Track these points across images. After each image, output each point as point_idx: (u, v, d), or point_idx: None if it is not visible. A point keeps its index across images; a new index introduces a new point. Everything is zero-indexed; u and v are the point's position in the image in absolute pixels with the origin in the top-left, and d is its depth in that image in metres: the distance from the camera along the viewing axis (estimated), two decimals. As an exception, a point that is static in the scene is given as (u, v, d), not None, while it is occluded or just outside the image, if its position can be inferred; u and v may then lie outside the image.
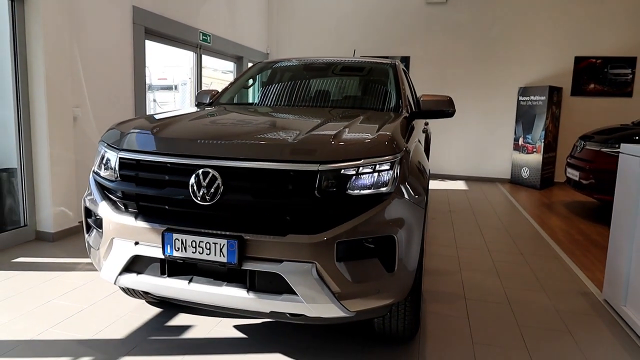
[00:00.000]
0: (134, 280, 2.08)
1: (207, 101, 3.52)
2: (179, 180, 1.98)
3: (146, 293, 2.22)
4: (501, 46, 8.04)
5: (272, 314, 1.98)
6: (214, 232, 1.89)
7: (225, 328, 2.61)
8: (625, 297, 2.84)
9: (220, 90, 3.61)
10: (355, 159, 1.90)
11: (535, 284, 3.43)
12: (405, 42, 8.50)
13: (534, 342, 2.55)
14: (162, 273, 2.04)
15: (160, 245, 1.96)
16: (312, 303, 1.86)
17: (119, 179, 2.13)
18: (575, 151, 6.06)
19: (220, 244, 1.87)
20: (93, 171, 2.35)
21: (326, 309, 1.88)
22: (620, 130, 5.83)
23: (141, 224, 2.01)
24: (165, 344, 2.43)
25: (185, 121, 2.39)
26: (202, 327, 2.61)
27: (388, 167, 1.95)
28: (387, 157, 1.96)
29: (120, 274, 2.09)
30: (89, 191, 2.32)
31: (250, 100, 3.47)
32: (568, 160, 6.23)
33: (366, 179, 1.91)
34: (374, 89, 3.34)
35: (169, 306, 2.84)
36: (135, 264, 2.07)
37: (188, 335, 2.53)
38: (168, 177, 2.01)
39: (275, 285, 1.89)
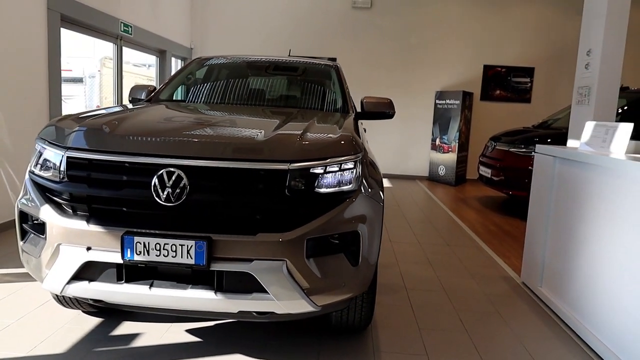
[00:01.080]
0: (85, 288, 1.93)
1: (144, 97, 3.34)
2: (139, 180, 1.88)
3: (96, 301, 2.07)
4: (420, 52, 8.60)
5: (239, 313, 1.97)
6: (180, 233, 1.83)
7: (176, 333, 2.51)
8: (541, 279, 3.25)
9: (143, 84, 3.43)
10: (322, 158, 1.96)
11: (463, 271, 3.77)
12: (332, 43, 8.73)
13: (471, 324, 2.82)
14: (119, 279, 1.93)
15: (119, 250, 1.85)
16: (283, 300, 1.88)
17: (65, 179, 1.95)
18: (487, 151, 6.71)
19: (187, 246, 1.82)
20: (29, 171, 2.13)
21: (296, 305, 1.92)
22: (524, 132, 6.57)
23: (94, 228, 1.88)
24: (113, 354, 2.28)
25: (139, 118, 2.27)
26: (151, 334, 2.49)
27: (352, 166, 2.04)
28: (351, 156, 2.04)
29: (68, 282, 1.93)
30: (25, 193, 2.10)
31: (191, 98, 3.34)
32: (480, 159, 6.88)
33: (333, 178, 1.98)
34: (319, 90, 3.42)
35: (110, 315, 2.66)
36: (87, 271, 1.93)
37: (137, 343, 2.40)
38: (126, 177, 1.90)
39: (245, 285, 1.89)
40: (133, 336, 2.46)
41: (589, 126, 2.99)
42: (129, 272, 1.92)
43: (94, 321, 2.59)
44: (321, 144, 2.03)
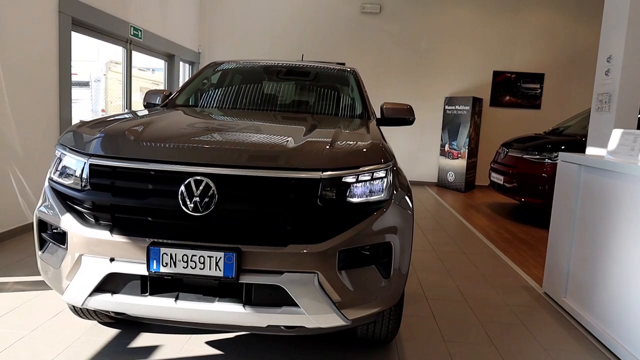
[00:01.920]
0: (107, 301, 1.86)
1: (159, 102, 3.28)
2: (166, 189, 1.81)
3: (117, 314, 1.99)
4: (429, 58, 8.56)
5: (268, 327, 1.90)
6: (209, 244, 1.76)
7: (196, 345, 2.44)
8: (565, 290, 3.17)
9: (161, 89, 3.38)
10: (354, 167, 1.89)
11: (482, 281, 3.68)
12: (340, 49, 8.69)
13: (497, 336, 2.74)
14: (143, 291, 1.86)
15: (144, 261, 1.78)
16: (314, 314, 1.81)
17: (88, 187, 1.89)
18: (499, 157, 6.64)
19: (216, 258, 1.75)
20: (49, 179, 2.07)
21: (327, 319, 1.84)
22: (536, 139, 6.51)
23: (118, 238, 1.81)
24: (133, 368, 2.21)
25: (162, 124, 2.21)
26: (170, 346, 2.41)
27: (383, 175, 1.97)
28: (382, 165, 1.98)
29: (90, 294, 1.86)
30: (44, 201, 2.03)
31: (208, 103, 3.27)
32: (492, 165, 6.81)
33: (364, 187, 1.92)
34: (338, 96, 3.36)
35: (128, 326, 2.59)
36: (109, 283, 1.86)
37: (157, 356, 2.33)
38: (152, 186, 1.83)
39: (274, 298, 1.81)
40: (152, 349, 2.39)
41: (616, 134, 2.92)
42: (153, 285, 1.85)
43: (111, 333, 2.52)
44: (353, 152, 1.96)
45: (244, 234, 1.81)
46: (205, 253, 1.75)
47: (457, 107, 8.27)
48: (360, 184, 1.90)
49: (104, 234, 1.82)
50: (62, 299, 1.96)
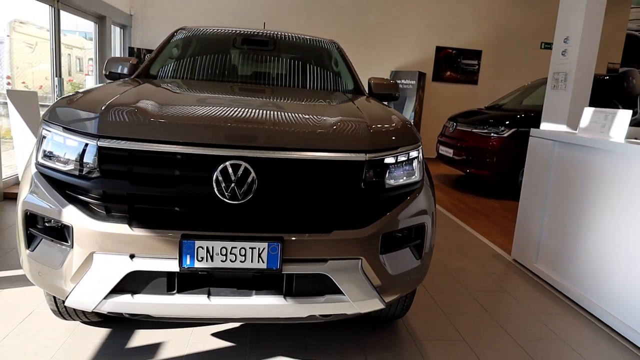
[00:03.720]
0: (127, 302, 1.64)
1: (126, 72, 2.90)
2: (197, 175, 1.61)
3: (132, 315, 1.76)
4: (377, 32, 8.57)
5: (309, 317, 1.80)
6: (251, 235, 1.61)
7: (202, 339, 2.27)
8: (537, 256, 3.42)
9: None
10: (393, 148, 1.82)
11: (457, 252, 3.86)
12: (289, 18, 8.37)
13: (487, 304, 2.89)
14: (170, 289, 1.66)
15: (174, 257, 1.58)
16: (358, 300, 1.75)
17: (97, 175, 1.61)
18: (447, 131, 6.92)
19: (259, 249, 1.60)
20: (37, 163, 1.74)
21: (369, 305, 1.80)
22: (479, 113, 6.87)
23: (140, 232, 1.58)
24: (141, 371, 2.00)
25: (179, 99, 1.95)
26: (174, 343, 2.22)
27: (417, 155, 1.93)
28: (415, 145, 1.93)
29: (106, 297, 1.62)
30: (33, 190, 1.71)
31: (188, 74, 2.95)
32: (440, 139, 7.09)
33: (402, 168, 1.86)
34: (328, 69, 3.21)
35: (117, 323, 2.33)
36: (128, 282, 1.63)
37: (163, 355, 2.13)
38: (180, 172, 1.61)
39: (316, 287, 1.72)
40: (154, 347, 2.18)
41: (588, 112, 3.14)
42: (181, 281, 1.66)
43: (100, 333, 2.25)
44: (390, 132, 1.89)
45: (287, 222, 1.68)
46: (247, 244, 1.59)
47: (404, 81, 8.44)
48: (399, 165, 1.84)
49: (121, 228, 1.58)
50: (66, 304, 1.69)
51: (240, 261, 1.60)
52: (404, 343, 2.37)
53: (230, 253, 1.59)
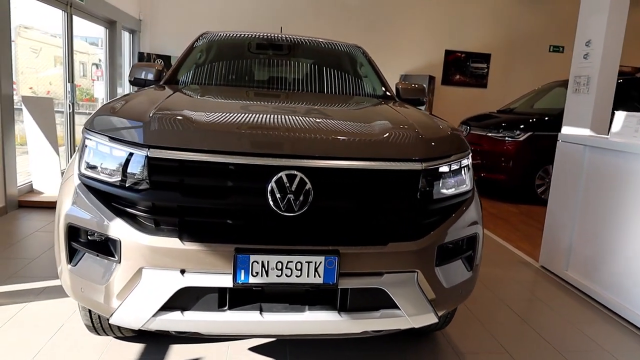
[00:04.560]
0: (177, 320, 1.57)
1: (152, 79, 2.84)
2: (251, 186, 1.54)
3: (179, 333, 1.69)
4: (386, 34, 8.54)
5: (362, 333, 1.73)
6: (308, 248, 1.54)
7: (240, 353, 2.20)
8: (567, 263, 3.36)
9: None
10: (447, 156, 1.76)
11: (484, 259, 3.79)
12: (296, 21, 8.33)
13: (524, 313, 2.83)
14: (221, 306, 1.59)
15: (228, 272, 1.52)
16: (413, 315, 1.69)
17: (146, 186, 1.55)
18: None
19: (315, 263, 1.54)
20: (80, 174, 1.67)
21: (424, 319, 1.73)
22: (491, 117, 6.83)
23: (192, 246, 1.52)
24: (183, 388, 1.93)
25: (225, 107, 1.90)
26: (213, 358, 2.15)
27: (467, 163, 1.87)
28: (466, 152, 1.87)
29: (156, 314, 1.55)
30: (76, 202, 1.64)
31: (214, 81, 2.89)
32: (452, 143, 7.03)
33: (455, 177, 1.80)
34: (358, 74, 3.16)
35: (149, 338, 2.26)
36: (178, 299, 1.56)
37: (203, 371, 2.06)
38: (233, 183, 1.55)
39: (370, 301, 1.66)
40: (193, 362, 2.11)
41: (620, 117, 3.09)
42: (233, 297, 1.59)
43: (135, 349, 2.18)
44: (442, 140, 1.83)
45: (343, 234, 1.61)
46: (303, 258, 1.53)
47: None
48: (452, 173, 1.78)
49: (172, 242, 1.52)
50: (111, 321, 1.62)
51: (296, 276, 1.54)
52: (447, 357, 2.30)
53: (286, 267, 1.53)
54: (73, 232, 1.65)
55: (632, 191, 2.80)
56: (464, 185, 1.84)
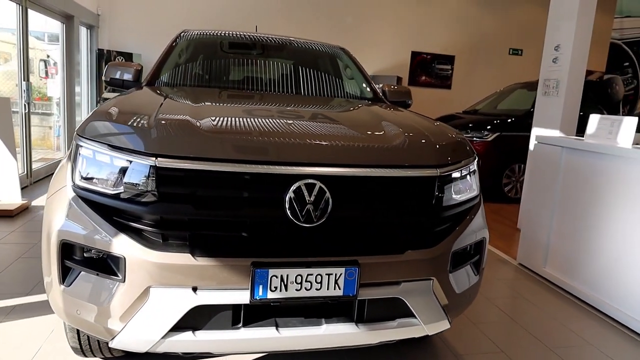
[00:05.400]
0: (189, 340, 1.46)
1: (131, 79, 2.67)
2: (268, 196, 1.46)
3: (185, 354, 1.58)
4: (354, 34, 8.56)
5: (379, 343, 1.69)
6: (328, 260, 1.48)
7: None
8: (545, 261, 3.49)
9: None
10: (457, 162, 1.76)
11: (463, 257, 3.88)
12: (263, 19, 8.17)
13: (511, 312, 2.90)
14: (235, 323, 1.50)
15: (245, 287, 1.43)
16: (429, 323, 1.67)
17: (154, 199, 1.43)
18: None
19: (335, 275, 1.48)
20: (75, 185, 1.52)
21: (438, 326, 1.72)
22: (456, 118, 7.00)
23: (205, 262, 1.42)
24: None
25: (232, 112, 1.80)
26: (211, 374, 2.04)
27: (475, 168, 1.88)
28: (473, 157, 1.88)
29: (165, 336, 1.44)
30: (71, 216, 1.50)
31: (196, 81, 2.76)
32: (422, 143, 7.15)
33: (465, 182, 1.80)
34: (346, 76, 3.12)
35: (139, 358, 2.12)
36: (188, 318, 1.46)
37: (202, 389, 1.95)
38: (248, 193, 1.46)
39: (387, 311, 1.63)
40: (191, 381, 1.99)
41: (594, 119, 3.24)
42: (247, 314, 1.51)
43: (126, 370, 2.03)
44: (452, 146, 1.82)
45: (362, 244, 1.57)
46: (323, 270, 1.47)
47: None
48: (462, 179, 1.78)
49: (183, 258, 1.42)
50: (113, 345, 1.49)
51: (316, 289, 1.48)
52: (446, 359, 2.31)
53: (306, 281, 1.46)
54: (67, 250, 1.51)
55: (607, 190, 2.94)
56: (474, 191, 1.85)
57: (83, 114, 7.44)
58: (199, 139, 1.48)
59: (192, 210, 1.43)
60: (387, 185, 1.58)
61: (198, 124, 1.56)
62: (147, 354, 2.10)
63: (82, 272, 1.50)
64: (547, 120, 4.41)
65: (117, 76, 2.70)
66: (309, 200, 1.46)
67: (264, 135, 1.55)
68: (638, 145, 3.06)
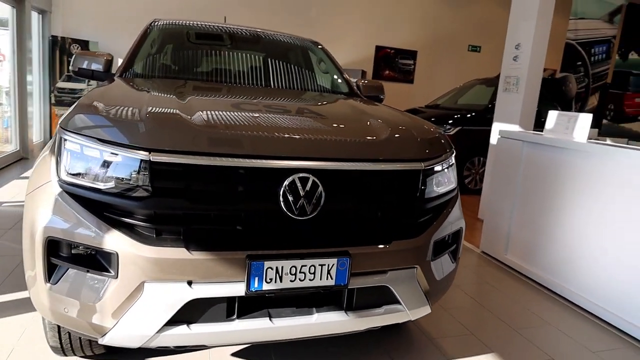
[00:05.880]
0: (183, 334, 1.48)
1: (102, 69, 2.59)
2: (262, 190, 1.49)
3: (177, 347, 1.58)
4: (319, 27, 8.58)
5: (366, 329, 1.77)
6: (321, 251, 1.53)
7: (223, 357, 2.12)
8: (507, 248, 3.70)
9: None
10: (438, 156, 1.85)
11: (431, 247, 4.04)
12: (227, 9, 8.02)
13: (478, 297, 3.07)
14: (229, 315, 1.53)
15: (240, 280, 1.46)
16: (413, 309, 1.77)
17: (147, 194, 1.42)
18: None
19: (328, 265, 1.54)
20: (62, 181, 1.48)
21: (421, 312, 1.82)
22: (418, 112, 7.21)
23: (200, 256, 1.43)
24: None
25: (221, 105, 1.80)
26: (195, 368, 2.05)
27: (453, 162, 1.98)
28: (452, 151, 1.97)
29: (160, 330, 1.44)
30: (58, 213, 1.46)
31: (170, 73, 2.70)
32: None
33: (444, 175, 1.89)
34: (318, 69, 3.15)
35: (120, 355, 2.09)
36: (183, 312, 1.47)
37: (188, 383, 1.96)
38: (243, 187, 1.48)
39: (374, 299, 1.70)
40: (175, 375, 2.00)
41: (552, 115, 3.45)
42: (241, 306, 1.54)
43: (107, 367, 2.00)
44: (434, 140, 1.91)
45: (352, 236, 1.63)
46: (317, 261, 1.52)
47: (346, 79, 8.56)
48: (443, 172, 1.88)
49: (178, 252, 1.42)
50: (103, 342, 1.47)
51: (309, 279, 1.53)
52: (422, 343, 2.43)
53: (300, 272, 1.51)
54: (53, 247, 1.47)
55: (564, 181, 3.16)
56: (452, 183, 1.95)
57: (35, 104, 7.05)
58: (192, 134, 1.48)
59: (187, 204, 1.44)
60: (376, 178, 1.65)
61: (190, 118, 1.56)
62: (129, 350, 2.08)
63: (70, 269, 1.47)
64: (507, 115, 4.64)
65: (85, 66, 2.61)
66: (302, 194, 1.50)
67: (258, 129, 1.57)
68: (592, 140, 3.31)
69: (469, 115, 6.68)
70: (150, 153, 1.41)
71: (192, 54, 2.85)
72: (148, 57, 2.74)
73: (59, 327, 1.78)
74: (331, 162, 1.55)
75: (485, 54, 9.80)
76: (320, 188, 1.52)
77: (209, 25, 3.06)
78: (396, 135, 1.78)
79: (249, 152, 1.47)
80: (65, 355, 1.94)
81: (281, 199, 1.48)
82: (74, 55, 2.69)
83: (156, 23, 3.02)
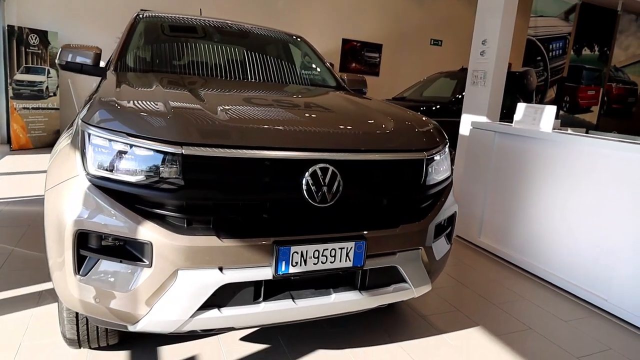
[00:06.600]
0: (214, 317, 1.56)
1: (91, 62, 2.56)
2: (287, 180, 1.59)
3: (203, 330, 1.65)
4: (285, 20, 8.60)
5: (377, 307, 1.91)
6: (341, 235, 1.65)
7: (234, 345, 2.20)
8: (480, 232, 3.97)
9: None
10: (437, 145, 2.01)
11: (409, 233, 4.26)
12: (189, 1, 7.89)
13: (458, 276, 3.31)
14: (256, 298, 1.62)
15: (268, 264, 1.56)
16: (418, 287, 1.93)
17: (178, 186, 1.48)
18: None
19: (347, 248, 1.66)
20: (90, 175, 1.51)
21: (423, 289, 1.98)
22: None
23: (231, 243, 1.52)
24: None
25: (243, 99, 1.87)
26: (209, 354, 2.13)
27: (447, 151, 2.15)
28: (446, 141, 2.14)
29: (193, 315, 1.52)
30: (89, 206, 1.49)
31: (160, 67, 2.70)
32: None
33: (442, 164, 2.06)
34: (305, 64, 3.24)
35: (132, 343, 2.13)
36: (214, 297, 1.55)
37: (204, 367, 2.03)
38: (269, 178, 1.57)
39: (384, 278, 1.85)
40: (190, 361, 2.07)
41: (521, 107, 3.73)
42: (267, 289, 1.64)
43: (119, 358, 2.04)
44: (432, 131, 2.06)
45: (366, 220, 1.76)
46: (337, 245, 1.65)
47: (314, 72, 8.66)
48: (441, 161, 2.04)
49: (210, 240, 1.50)
50: (135, 329, 1.53)
51: (330, 262, 1.65)
52: (415, 320, 2.61)
53: (322, 255, 1.62)
54: (83, 239, 1.50)
55: (533, 168, 3.45)
56: (448, 171, 2.12)
57: (-10, 97, 6.67)
58: (220, 128, 1.55)
59: (217, 195, 1.51)
60: (387, 167, 1.79)
61: (214, 113, 1.62)
62: (141, 339, 2.13)
63: (102, 260, 1.51)
64: (475, 107, 4.92)
65: (72, 59, 2.57)
66: (323, 183, 1.61)
67: (279, 123, 1.66)
68: (557, 130, 3.61)
69: (434, 108, 6.97)
70: (182, 147, 1.47)
71: (194, 48, 2.87)
72: (143, 50, 2.73)
73: (77, 318, 1.80)
74: (348, 153, 1.68)
75: (446, 48, 10.18)
76: (339, 177, 1.64)
77: (203, 20, 3.08)
78: (402, 128, 1.93)
79: (274, 145, 1.56)
80: (81, 347, 1.96)
81: (304, 187, 1.59)
82: (60, 49, 2.64)
83: (143, 15, 3.00)
